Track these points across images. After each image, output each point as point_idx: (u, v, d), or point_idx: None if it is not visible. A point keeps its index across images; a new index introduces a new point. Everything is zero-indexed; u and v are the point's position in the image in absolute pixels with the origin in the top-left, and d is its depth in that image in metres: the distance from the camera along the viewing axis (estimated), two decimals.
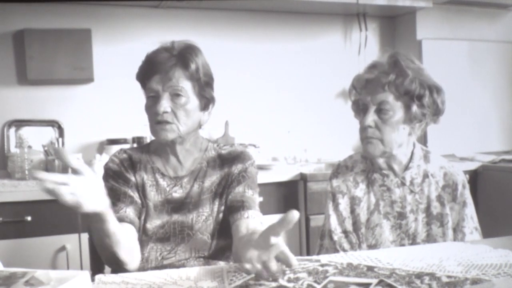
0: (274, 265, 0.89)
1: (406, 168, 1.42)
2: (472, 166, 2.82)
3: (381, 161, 1.42)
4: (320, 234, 1.50)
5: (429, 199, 1.42)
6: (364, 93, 1.39)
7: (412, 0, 3.05)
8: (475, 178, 2.78)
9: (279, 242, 0.91)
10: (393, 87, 1.33)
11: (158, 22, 2.91)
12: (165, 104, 1.23)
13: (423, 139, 3.08)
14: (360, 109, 1.41)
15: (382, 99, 1.34)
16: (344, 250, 1.41)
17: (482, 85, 3.34)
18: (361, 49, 3.30)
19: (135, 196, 1.30)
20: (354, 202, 1.45)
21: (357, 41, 3.31)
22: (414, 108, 1.34)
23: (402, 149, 1.41)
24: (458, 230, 1.40)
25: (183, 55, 1.26)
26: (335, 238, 1.43)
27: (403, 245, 1.40)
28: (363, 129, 1.37)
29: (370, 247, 1.40)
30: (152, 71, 1.25)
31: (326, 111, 3.27)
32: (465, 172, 1.60)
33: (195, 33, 2.95)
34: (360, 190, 1.45)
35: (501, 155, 3.01)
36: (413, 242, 1.39)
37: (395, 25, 3.43)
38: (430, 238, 1.40)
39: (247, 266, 0.90)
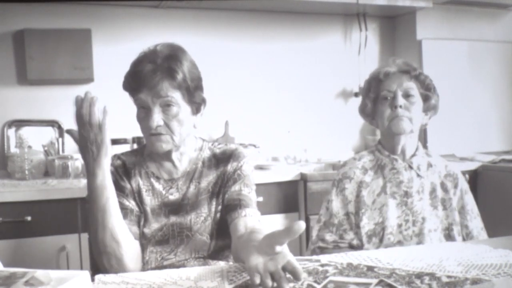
0: (286, 285, 0.88)
1: (413, 155, 1.54)
2: (472, 166, 2.82)
3: (402, 142, 1.52)
4: (317, 221, 1.57)
5: (433, 185, 1.52)
6: (388, 84, 1.52)
7: (412, 0, 3.05)
8: (475, 178, 2.77)
9: (285, 250, 0.91)
10: (417, 80, 1.52)
11: (158, 22, 2.91)
12: (157, 118, 1.22)
13: (423, 140, 3.07)
14: (383, 98, 1.52)
15: (409, 87, 1.51)
16: (340, 234, 1.49)
17: (482, 85, 3.34)
18: (361, 49, 3.30)
19: (132, 204, 1.29)
20: (361, 185, 1.52)
21: (357, 41, 3.31)
22: (433, 100, 1.53)
23: (414, 136, 1.54)
24: (464, 212, 1.52)
25: (168, 65, 1.22)
26: (335, 221, 1.51)
27: (407, 221, 1.47)
28: (394, 108, 1.49)
29: (377, 224, 1.47)
30: (139, 84, 1.23)
31: (326, 111, 3.27)
32: (465, 172, 1.65)
33: (195, 33, 2.95)
34: (368, 176, 1.54)
35: (501, 155, 3.01)
36: (417, 219, 1.47)
37: (395, 25, 3.43)
38: (435, 220, 1.48)
39: (256, 279, 0.89)
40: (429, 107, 1.55)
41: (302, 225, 0.87)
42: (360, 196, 1.51)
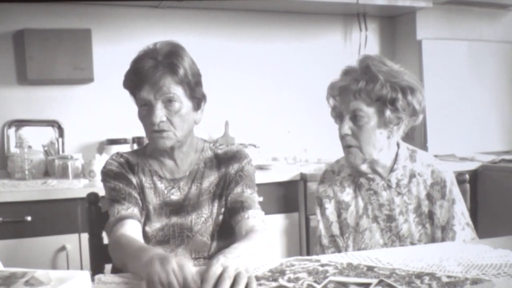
0: None
1: (391, 170, 1.40)
2: (472, 166, 2.81)
3: (364, 167, 1.40)
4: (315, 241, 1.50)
5: (418, 199, 1.39)
6: (339, 101, 1.39)
7: (412, 0, 3.05)
8: (475, 178, 2.77)
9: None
10: (364, 94, 1.32)
11: (158, 22, 2.91)
12: (160, 114, 1.23)
13: (423, 139, 3.07)
14: (337, 116, 1.41)
15: (355, 107, 1.33)
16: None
17: (482, 85, 3.34)
18: (361, 49, 3.30)
19: (138, 198, 1.30)
20: (340, 206, 1.43)
21: (357, 41, 3.31)
22: (388, 113, 1.32)
23: (384, 152, 1.38)
24: (448, 228, 1.37)
25: (170, 61, 1.23)
26: (324, 242, 1.43)
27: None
28: (341, 137, 1.38)
29: (360, 251, 1.38)
30: (141, 81, 1.23)
31: (326, 111, 3.24)
32: (465, 172, 1.61)
33: (195, 33, 2.95)
34: (347, 195, 1.44)
35: (501, 155, 3.01)
36: (405, 244, 1.37)
37: (395, 25, 3.43)
38: (426, 238, 1.38)
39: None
40: (386, 122, 1.33)
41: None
42: (341, 217, 1.42)
